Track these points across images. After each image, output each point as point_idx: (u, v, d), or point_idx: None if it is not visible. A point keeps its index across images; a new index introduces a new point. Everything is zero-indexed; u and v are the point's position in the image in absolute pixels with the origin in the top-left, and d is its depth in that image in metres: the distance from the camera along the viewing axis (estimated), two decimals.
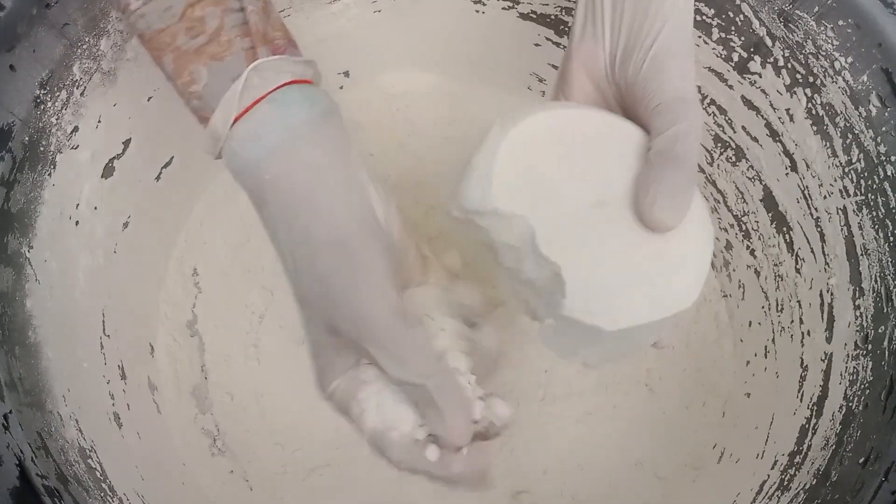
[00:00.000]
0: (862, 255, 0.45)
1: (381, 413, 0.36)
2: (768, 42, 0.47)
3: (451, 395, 0.35)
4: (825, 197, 0.47)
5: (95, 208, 0.48)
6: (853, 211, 0.45)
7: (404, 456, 0.36)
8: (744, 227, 0.57)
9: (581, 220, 0.34)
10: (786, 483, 0.46)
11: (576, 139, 0.35)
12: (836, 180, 0.46)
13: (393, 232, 0.37)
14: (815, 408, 0.47)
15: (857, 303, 0.45)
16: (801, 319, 0.51)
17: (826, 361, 0.47)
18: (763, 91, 0.49)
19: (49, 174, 0.43)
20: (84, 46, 0.43)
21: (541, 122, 0.35)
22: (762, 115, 0.50)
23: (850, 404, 0.43)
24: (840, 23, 0.43)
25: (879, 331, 0.43)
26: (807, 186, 0.49)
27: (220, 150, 0.36)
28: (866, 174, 0.44)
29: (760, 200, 0.54)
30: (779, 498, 0.45)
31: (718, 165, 0.56)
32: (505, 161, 0.34)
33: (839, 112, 0.45)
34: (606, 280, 0.33)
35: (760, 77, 0.49)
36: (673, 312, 0.33)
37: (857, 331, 0.45)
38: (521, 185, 0.34)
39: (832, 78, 0.44)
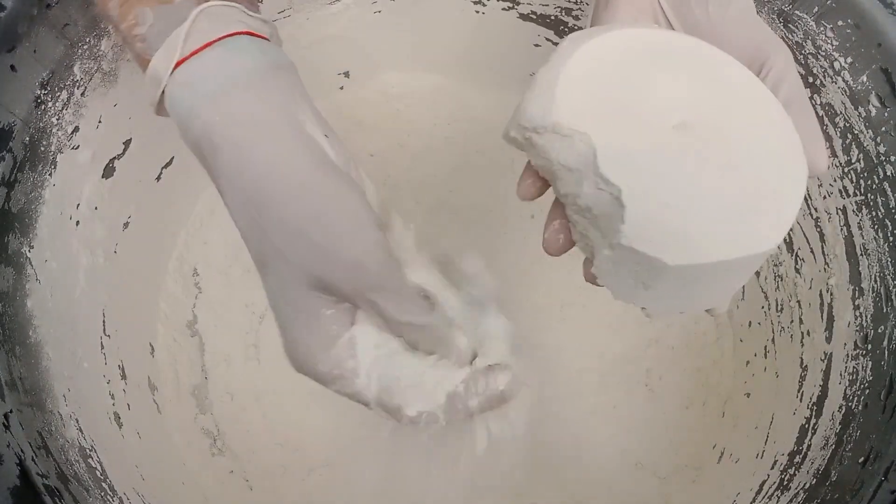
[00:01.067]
0: (861, 255, 0.45)
1: (387, 368, 0.33)
2: None
3: (449, 325, 0.33)
4: (825, 197, 0.47)
5: (96, 208, 0.48)
6: (853, 211, 0.45)
7: (421, 402, 0.33)
8: None
9: (656, 142, 0.30)
10: (785, 483, 0.46)
11: (656, 59, 0.32)
12: (835, 180, 0.46)
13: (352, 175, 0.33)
14: (815, 407, 0.47)
15: (856, 303, 0.45)
16: (800, 319, 0.51)
17: (826, 361, 0.47)
18: None
19: (50, 174, 0.43)
20: (84, 47, 0.43)
21: (617, 39, 0.32)
22: None
23: (850, 404, 0.43)
24: (839, 23, 0.43)
25: (879, 331, 0.43)
26: (807, 186, 0.49)
27: (158, 100, 0.33)
28: (866, 174, 0.44)
29: None
30: (778, 498, 0.45)
31: None
32: (572, 75, 0.31)
33: (839, 112, 0.45)
34: (677, 208, 0.29)
35: None
36: (754, 252, 0.29)
37: (856, 331, 0.45)
38: (587, 102, 0.31)
39: (832, 78, 0.44)
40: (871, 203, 0.44)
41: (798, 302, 0.51)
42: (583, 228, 0.32)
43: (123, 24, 0.34)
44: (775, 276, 0.54)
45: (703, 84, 0.32)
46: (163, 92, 0.33)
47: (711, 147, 0.30)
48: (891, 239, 0.43)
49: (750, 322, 0.57)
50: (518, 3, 0.57)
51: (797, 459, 0.46)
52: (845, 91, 0.44)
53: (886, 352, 0.42)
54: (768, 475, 0.48)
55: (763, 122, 0.32)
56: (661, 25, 0.35)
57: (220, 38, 0.32)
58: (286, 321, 0.33)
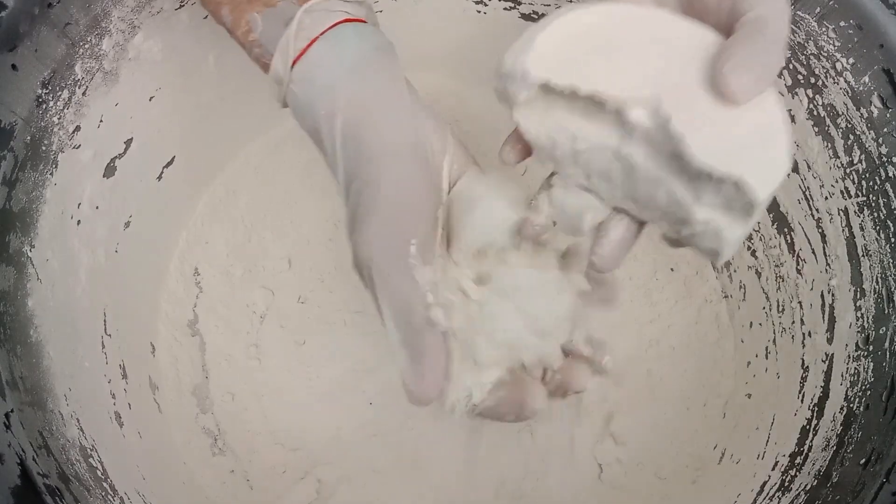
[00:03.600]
0: (863, 255, 0.45)
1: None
2: None
3: (409, 347, 0.36)
4: (826, 198, 0.47)
5: (97, 207, 0.48)
6: (854, 212, 0.45)
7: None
8: None
9: (655, 92, 0.31)
10: (786, 484, 0.46)
11: (632, 31, 0.33)
12: (837, 181, 0.46)
13: (444, 166, 0.38)
14: (816, 409, 0.47)
15: (858, 304, 0.45)
16: (802, 320, 0.51)
17: (827, 362, 0.47)
18: None
19: (51, 173, 0.43)
20: (86, 46, 0.43)
21: (605, 13, 0.33)
22: None
23: (851, 405, 0.43)
24: (841, 24, 0.43)
25: (880, 332, 0.43)
26: (808, 187, 0.49)
27: (284, 97, 0.37)
28: (868, 175, 0.44)
29: None
30: (779, 499, 0.45)
31: None
32: (555, 34, 0.32)
33: (841, 113, 0.45)
34: (723, 124, 0.30)
35: None
36: (778, 181, 0.31)
37: (858, 332, 0.45)
38: (564, 61, 0.32)
39: (834, 79, 0.44)
40: (873, 204, 0.44)
41: (799, 303, 0.51)
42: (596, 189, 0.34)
43: (238, 31, 0.37)
44: (777, 277, 0.54)
45: (682, 64, 0.32)
46: None
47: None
48: (892, 240, 0.43)
49: (751, 323, 0.57)
50: (520, 3, 0.57)
51: (798, 460, 0.46)
52: (847, 92, 0.44)
53: (888, 353, 0.42)
54: (769, 476, 0.48)
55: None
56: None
57: (323, 32, 0.35)
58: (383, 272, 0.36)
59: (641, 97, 0.31)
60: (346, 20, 0.36)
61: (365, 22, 0.37)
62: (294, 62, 0.35)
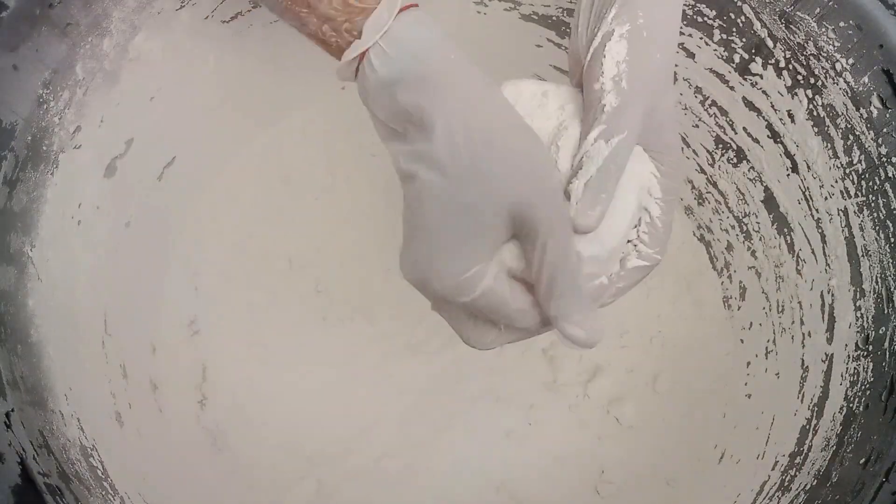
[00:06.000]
0: (863, 256, 0.45)
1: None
2: (769, 43, 0.47)
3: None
4: (826, 198, 0.47)
5: (98, 208, 0.48)
6: (854, 212, 0.45)
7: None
8: (745, 229, 0.57)
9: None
10: (786, 484, 0.46)
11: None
12: (837, 181, 0.46)
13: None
14: (816, 409, 0.47)
15: (857, 304, 0.45)
16: (801, 320, 0.51)
17: (827, 362, 0.47)
18: (764, 92, 0.49)
19: (52, 173, 0.43)
20: (87, 46, 0.43)
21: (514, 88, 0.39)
22: (763, 117, 0.50)
23: (851, 405, 0.43)
24: (841, 24, 0.43)
25: (880, 332, 0.43)
26: (808, 188, 0.49)
27: (356, 69, 0.37)
28: (867, 175, 0.44)
29: (762, 202, 0.54)
30: (779, 499, 0.45)
31: (720, 167, 0.56)
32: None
33: (840, 113, 0.45)
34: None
35: (762, 78, 0.49)
36: None
37: (857, 332, 0.45)
38: None
39: (833, 79, 0.44)
40: (873, 204, 0.44)
41: (799, 303, 0.51)
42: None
43: (321, 4, 0.36)
44: (776, 277, 0.54)
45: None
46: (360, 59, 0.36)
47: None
48: (892, 240, 0.43)
49: (751, 323, 0.57)
50: (520, 4, 0.57)
51: (798, 460, 0.46)
52: (847, 92, 0.44)
53: (887, 353, 0.42)
54: (769, 476, 0.48)
55: None
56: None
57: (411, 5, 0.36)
58: (432, 240, 0.36)
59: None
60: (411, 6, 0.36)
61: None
62: (402, 9, 0.35)
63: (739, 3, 0.47)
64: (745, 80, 0.50)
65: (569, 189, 0.36)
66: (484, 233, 0.35)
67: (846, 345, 0.46)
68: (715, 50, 0.50)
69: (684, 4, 0.48)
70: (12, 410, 0.37)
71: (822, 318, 0.49)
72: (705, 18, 0.49)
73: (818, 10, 0.43)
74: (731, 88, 0.51)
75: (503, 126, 0.35)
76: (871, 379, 0.43)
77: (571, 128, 0.37)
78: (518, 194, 0.34)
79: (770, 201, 0.53)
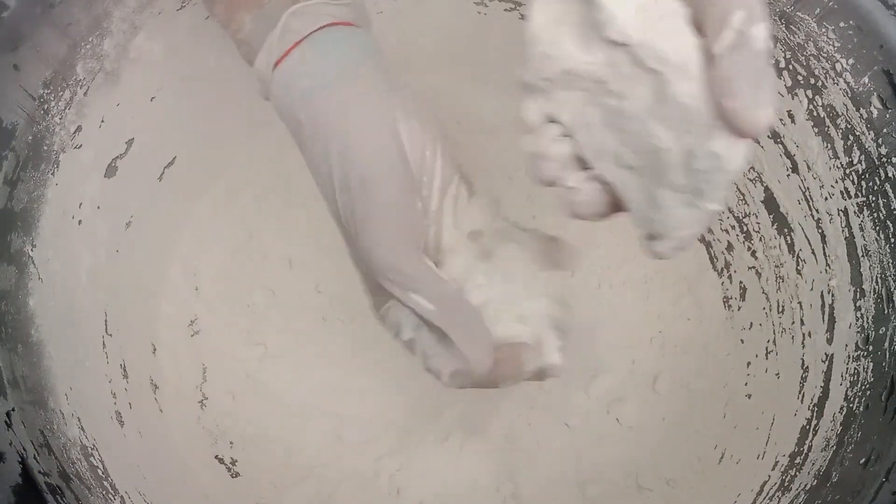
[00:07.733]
0: (863, 256, 0.45)
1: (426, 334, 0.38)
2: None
3: (459, 324, 0.36)
4: (826, 198, 0.47)
5: (98, 207, 0.48)
6: (854, 212, 0.45)
7: (454, 373, 0.38)
8: (745, 229, 0.57)
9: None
10: (786, 484, 0.46)
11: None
12: (837, 182, 0.46)
13: (426, 167, 0.37)
14: (816, 409, 0.47)
15: (857, 304, 0.45)
16: (801, 321, 0.51)
17: (827, 362, 0.47)
18: None
19: (52, 173, 0.43)
20: (87, 46, 0.43)
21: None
22: None
23: (851, 405, 0.43)
24: (841, 24, 0.43)
25: (880, 332, 0.43)
26: (808, 188, 0.49)
27: (267, 93, 0.38)
28: (867, 176, 0.44)
29: (762, 202, 0.54)
30: (779, 499, 0.45)
31: None
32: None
33: (840, 114, 0.45)
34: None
35: None
36: None
37: (857, 332, 0.45)
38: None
39: (833, 80, 0.44)
40: (873, 204, 0.44)
41: (799, 303, 0.51)
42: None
43: (228, 28, 0.37)
44: (776, 278, 0.54)
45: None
46: None
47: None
48: (892, 240, 0.43)
49: (751, 323, 0.57)
50: (520, 4, 0.57)
51: (798, 460, 0.46)
52: (847, 92, 0.44)
53: (888, 353, 0.42)
54: (769, 476, 0.48)
55: None
56: None
57: (306, 36, 0.35)
58: (360, 274, 0.40)
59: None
60: (333, 24, 0.36)
61: (353, 25, 0.37)
62: (277, 63, 0.36)
63: None
64: None
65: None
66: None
67: (846, 345, 0.46)
68: None
69: None
70: (13, 410, 0.37)
71: (823, 318, 0.49)
72: None
73: (818, 10, 0.44)
74: None
75: (348, 180, 0.36)
76: (872, 379, 0.43)
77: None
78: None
79: (770, 201, 0.53)
